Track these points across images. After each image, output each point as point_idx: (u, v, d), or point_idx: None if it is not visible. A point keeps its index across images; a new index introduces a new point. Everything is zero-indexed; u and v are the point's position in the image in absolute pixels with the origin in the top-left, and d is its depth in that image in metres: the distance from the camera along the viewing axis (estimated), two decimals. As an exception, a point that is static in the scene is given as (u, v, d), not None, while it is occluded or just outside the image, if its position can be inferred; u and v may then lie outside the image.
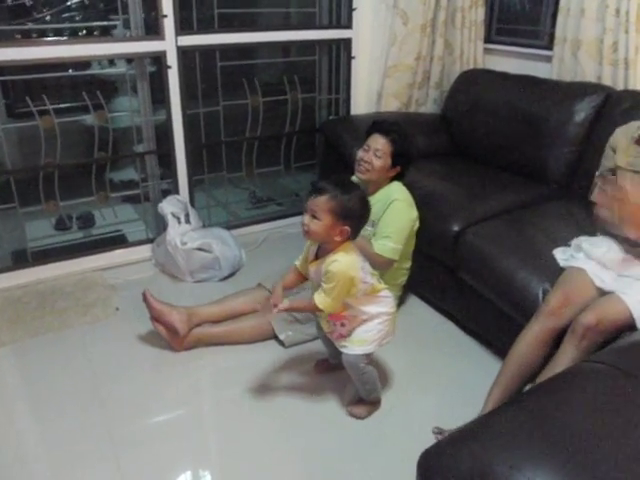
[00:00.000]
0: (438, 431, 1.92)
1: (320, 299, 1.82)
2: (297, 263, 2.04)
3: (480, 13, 3.48)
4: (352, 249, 1.86)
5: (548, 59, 3.19)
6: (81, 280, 2.94)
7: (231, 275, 3.03)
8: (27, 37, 3.01)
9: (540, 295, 2.04)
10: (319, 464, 1.90)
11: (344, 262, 1.80)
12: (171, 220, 2.99)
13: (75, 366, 2.33)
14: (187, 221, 3.03)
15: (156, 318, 2.37)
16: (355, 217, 1.82)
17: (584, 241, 2.07)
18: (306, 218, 1.81)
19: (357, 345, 1.95)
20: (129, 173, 3.62)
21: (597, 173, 2.14)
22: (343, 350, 1.99)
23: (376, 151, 2.36)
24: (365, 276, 1.89)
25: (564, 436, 1.14)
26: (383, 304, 1.96)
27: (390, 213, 2.37)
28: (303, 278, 2.03)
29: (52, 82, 3.22)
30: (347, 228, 1.80)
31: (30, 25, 2.95)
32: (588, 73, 2.94)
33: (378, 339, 1.97)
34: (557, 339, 1.88)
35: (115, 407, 2.12)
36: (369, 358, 2.01)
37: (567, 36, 2.97)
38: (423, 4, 3.38)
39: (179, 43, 2.92)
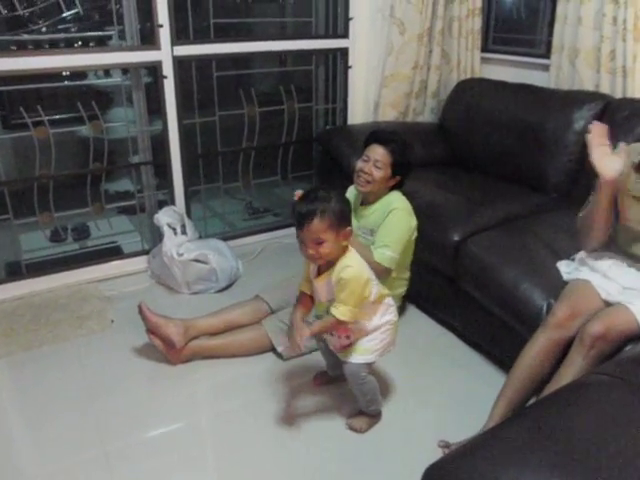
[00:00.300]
0: (444, 444, 1.89)
1: (340, 311, 1.78)
2: (302, 288, 1.98)
3: (477, 22, 3.48)
4: (355, 252, 1.84)
5: (545, 68, 3.19)
6: (76, 292, 2.91)
7: (228, 287, 3.00)
8: (23, 49, 2.98)
9: (544, 307, 2.02)
10: (319, 479, 1.86)
11: (356, 266, 1.79)
12: (167, 231, 2.96)
13: (70, 379, 2.29)
14: (183, 232, 3.00)
15: (152, 331, 2.34)
16: (348, 214, 1.80)
17: (588, 255, 2.04)
18: (310, 249, 1.75)
19: (359, 354, 1.93)
20: (125, 184, 3.59)
21: (591, 193, 2.09)
22: (345, 359, 1.96)
23: (376, 162, 2.34)
24: (373, 277, 1.87)
25: (571, 450, 1.11)
26: (388, 312, 1.94)
27: (389, 222, 2.35)
28: (313, 301, 1.98)
29: (47, 93, 3.20)
30: (349, 228, 1.78)
31: (25, 36, 2.93)
32: (586, 81, 2.93)
33: (381, 348, 1.94)
34: (563, 351, 1.85)
35: (110, 421, 2.08)
36: (370, 368, 1.98)
37: (564, 44, 2.97)
38: (420, 13, 3.38)
39: (175, 53, 2.91)
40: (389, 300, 1.95)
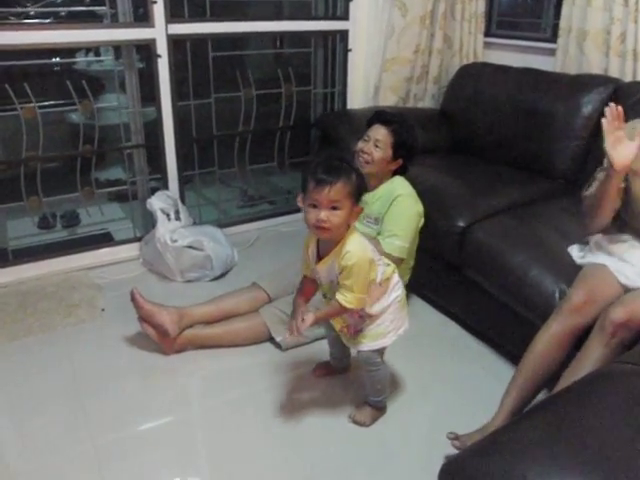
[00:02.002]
0: (454, 436, 1.80)
1: (346, 299, 1.69)
2: (305, 272, 1.88)
3: (480, 5, 3.39)
4: (357, 234, 1.73)
5: (551, 52, 3.10)
6: (65, 280, 2.80)
7: (223, 275, 2.91)
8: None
9: (556, 293, 1.93)
10: (319, 474, 1.78)
11: (357, 249, 1.67)
12: (160, 216, 2.85)
13: (58, 371, 2.20)
14: (177, 218, 2.90)
15: (145, 319, 2.24)
16: (364, 192, 1.70)
17: (603, 239, 1.96)
18: (323, 213, 1.62)
19: (371, 340, 1.84)
20: (116, 172, 3.50)
21: (598, 169, 2.02)
22: (359, 347, 1.87)
23: (376, 142, 2.27)
24: (377, 257, 1.78)
25: (599, 444, 1.04)
26: (394, 290, 1.84)
27: (395, 209, 2.27)
28: (316, 283, 1.88)
29: (36, 73, 3.08)
30: (360, 207, 1.68)
31: (13, 19, 2.81)
32: (594, 65, 2.85)
33: (393, 330, 1.85)
34: (577, 339, 1.76)
35: (100, 414, 1.99)
36: (383, 353, 1.90)
37: (572, 27, 2.89)
38: (422, -6, 3.28)
39: (169, 31, 2.80)
40: (395, 276, 1.85)
